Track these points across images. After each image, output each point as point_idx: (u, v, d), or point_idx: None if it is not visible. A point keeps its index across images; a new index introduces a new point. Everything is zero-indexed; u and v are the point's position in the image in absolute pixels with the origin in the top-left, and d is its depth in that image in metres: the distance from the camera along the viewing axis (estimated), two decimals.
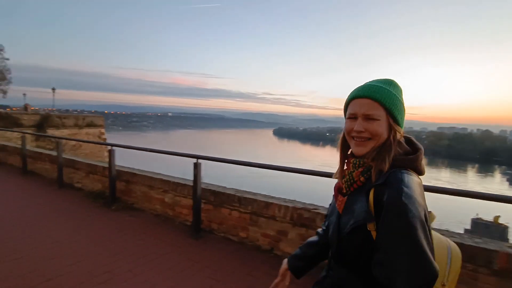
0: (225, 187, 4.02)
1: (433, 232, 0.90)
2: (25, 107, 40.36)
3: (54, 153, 6.92)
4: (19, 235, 3.67)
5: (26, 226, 3.98)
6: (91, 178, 5.72)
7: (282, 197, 3.62)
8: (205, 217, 3.90)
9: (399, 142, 0.93)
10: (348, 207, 0.93)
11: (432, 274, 0.75)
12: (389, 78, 0.96)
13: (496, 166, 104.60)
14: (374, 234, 0.83)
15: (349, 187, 0.95)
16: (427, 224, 0.79)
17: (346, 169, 0.99)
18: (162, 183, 4.48)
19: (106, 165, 5.54)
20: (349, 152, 1.01)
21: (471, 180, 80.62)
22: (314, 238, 1.20)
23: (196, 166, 3.68)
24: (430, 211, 0.91)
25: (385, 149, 0.90)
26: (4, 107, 36.21)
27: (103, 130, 32.33)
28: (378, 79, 0.97)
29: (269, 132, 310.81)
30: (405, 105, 0.95)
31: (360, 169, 0.93)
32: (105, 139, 32.34)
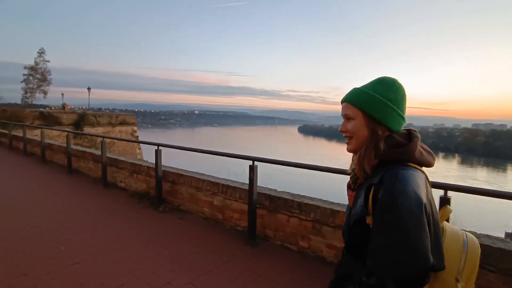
0: (280, 191, 3.77)
1: (447, 225, 0.97)
2: (63, 106, 42.43)
3: (97, 151, 6.99)
4: (74, 238, 3.62)
5: (81, 229, 3.94)
6: (135, 178, 5.67)
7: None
8: (259, 222, 3.66)
9: (388, 137, 0.95)
10: (355, 202, 0.99)
11: (420, 263, 0.78)
12: (382, 76, 1.01)
13: None
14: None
15: (354, 183, 1.02)
16: (426, 216, 0.82)
17: (353, 166, 1.06)
18: (211, 185, 4.30)
19: (150, 165, 5.47)
20: None
21: (509, 180, 75.65)
22: None
23: (252, 169, 3.45)
24: (446, 206, 1.01)
25: (366, 146, 0.96)
26: (44, 107, 38.16)
27: (135, 128, 33.22)
28: (371, 80, 1.03)
29: (294, 129, 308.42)
30: (395, 100, 0.96)
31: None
32: (137, 136, 33.20)
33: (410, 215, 0.80)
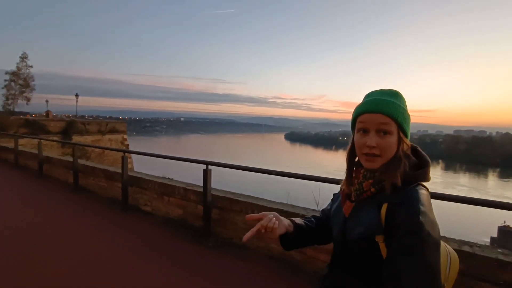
0: None
1: None
2: (47, 114, 40.52)
3: (110, 168, 5.96)
4: (109, 280, 2.64)
5: (116, 269, 2.96)
6: (166, 201, 4.69)
7: None
8: None
9: (407, 155, 0.93)
10: (355, 214, 0.96)
11: (438, 286, 0.79)
12: (393, 89, 0.97)
13: None
14: (381, 245, 0.86)
15: (358, 196, 0.96)
16: (439, 240, 0.83)
17: (354, 177, 0.99)
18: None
19: (186, 185, 4.52)
20: (356, 159, 1.01)
21: (492, 185, 77.40)
22: (311, 220, 1.19)
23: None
24: None
25: (396, 163, 0.90)
26: (25, 114, 36.21)
27: (125, 136, 31.79)
28: (382, 91, 0.96)
29: (281, 136, 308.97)
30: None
31: (370, 181, 0.93)
32: (127, 145, 31.75)
33: (432, 239, 0.81)
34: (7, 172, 8.14)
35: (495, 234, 35.44)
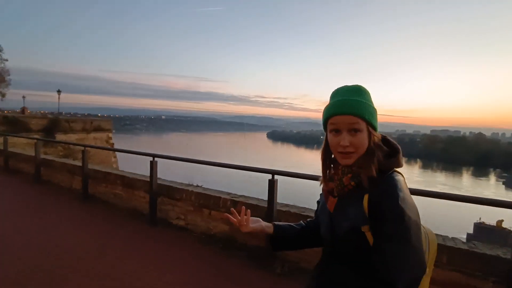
0: None
1: None
2: (23, 110, 38.30)
3: (129, 174, 5.22)
4: None
5: None
6: (206, 215, 4.04)
7: None
8: None
9: (378, 146, 0.97)
10: (340, 208, 0.99)
11: (424, 270, 0.86)
12: (356, 85, 0.99)
13: (491, 169, 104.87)
14: (368, 235, 0.89)
15: (340, 191, 0.99)
16: (420, 222, 0.88)
17: (333, 173, 1.03)
18: None
19: (233, 197, 3.89)
20: (332, 157, 1.04)
21: (466, 183, 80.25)
22: (299, 225, 1.24)
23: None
24: None
25: (370, 156, 0.95)
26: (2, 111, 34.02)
27: (110, 135, 30.36)
28: (347, 88, 0.99)
29: (263, 135, 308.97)
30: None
31: (349, 175, 0.97)
32: (112, 144, 30.35)
33: (414, 222, 0.85)
34: None
35: (471, 231, 36.56)
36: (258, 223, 1.18)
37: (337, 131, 0.97)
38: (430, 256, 1.00)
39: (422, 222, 0.94)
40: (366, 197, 0.90)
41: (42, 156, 6.91)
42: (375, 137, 0.97)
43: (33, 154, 7.73)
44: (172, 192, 4.39)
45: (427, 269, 0.93)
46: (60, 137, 22.45)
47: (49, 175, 6.64)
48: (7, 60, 32.57)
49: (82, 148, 5.55)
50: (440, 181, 77.91)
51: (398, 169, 0.96)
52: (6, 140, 7.77)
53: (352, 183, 0.96)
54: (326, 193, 1.05)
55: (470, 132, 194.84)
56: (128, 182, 5.02)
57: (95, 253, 3.47)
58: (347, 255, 0.96)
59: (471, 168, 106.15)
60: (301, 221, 1.26)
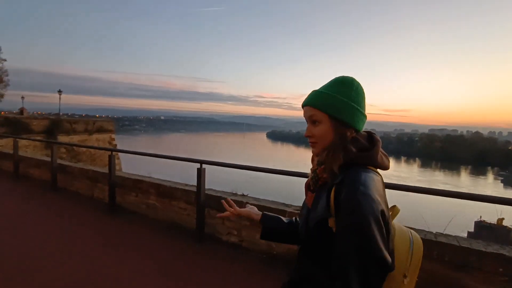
0: None
1: (395, 224, 0.98)
2: (21, 111, 37.58)
3: (165, 181, 4.55)
4: None
5: None
6: None
7: None
8: None
9: (354, 139, 0.94)
10: (315, 202, 0.96)
11: (383, 266, 0.80)
12: (341, 76, 0.98)
13: (489, 168, 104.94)
14: (335, 230, 0.87)
15: (314, 184, 0.99)
16: (383, 219, 0.82)
17: (312, 167, 1.03)
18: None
19: (295, 209, 3.24)
20: None
21: (466, 182, 79.99)
22: (288, 220, 1.24)
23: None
24: (394, 205, 0.99)
25: (334, 149, 0.93)
26: None
27: (113, 136, 29.68)
28: (330, 81, 0.99)
29: (262, 135, 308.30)
30: (360, 101, 0.96)
31: (322, 166, 0.96)
32: (115, 145, 29.61)
33: (372, 218, 0.80)
34: (6, 185, 6.47)
35: (471, 229, 36.23)
36: (246, 209, 1.24)
37: (307, 122, 0.99)
38: (412, 262, 0.94)
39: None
40: (333, 189, 0.88)
41: (60, 162, 6.20)
42: (342, 130, 0.93)
43: (40, 157, 7.07)
44: (220, 203, 3.74)
45: (407, 276, 0.91)
46: (62, 138, 21.72)
47: (65, 182, 5.96)
48: (5, 60, 31.72)
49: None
50: (440, 180, 77.51)
51: (378, 170, 0.93)
52: (16, 143, 6.92)
53: (325, 175, 0.95)
54: (306, 189, 1.04)
55: (468, 131, 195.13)
56: (165, 191, 4.34)
57: (135, 275, 2.82)
58: (315, 250, 0.93)
59: (469, 167, 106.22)
60: (294, 217, 1.25)
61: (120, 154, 29.21)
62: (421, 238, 0.99)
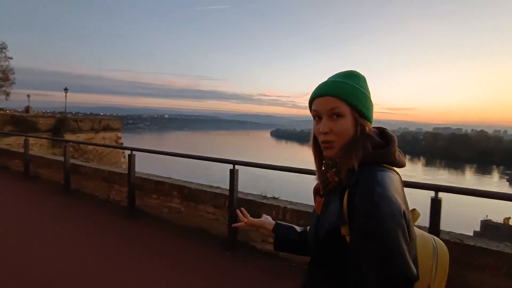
0: None
1: (416, 230, 0.87)
2: (27, 109, 37.56)
3: (190, 184, 4.20)
4: None
5: None
6: None
7: None
8: None
9: (369, 136, 0.84)
10: (325, 208, 0.87)
11: (407, 275, 0.69)
12: (350, 70, 0.89)
13: (494, 167, 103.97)
14: (348, 239, 0.77)
15: (325, 188, 0.88)
16: (405, 222, 0.72)
17: (323, 169, 0.91)
18: None
19: None
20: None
21: (471, 181, 79.22)
22: (302, 229, 1.14)
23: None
24: (414, 209, 0.89)
25: (352, 146, 0.82)
26: (5, 110, 32.98)
27: (119, 134, 29.47)
28: (339, 73, 0.90)
29: (266, 133, 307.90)
30: (370, 95, 0.88)
31: (333, 169, 0.86)
32: (121, 143, 29.39)
33: (393, 222, 0.70)
34: (16, 187, 6.16)
35: (478, 228, 35.80)
36: (261, 219, 1.18)
37: (319, 117, 0.86)
38: (439, 274, 0.84)
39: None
40: (347, 193, 0.78)
41: (72, 161, 5.87)
42: (365, 126, 0.84)
43: (51, 157, 6.76)
44: (255, 208, 3.39)
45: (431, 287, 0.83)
46: (68, 136, 21.50)
47: (78, 183, 5.63)
48: (11, 58, 31.52)
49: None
50: (444, 179, 76.74)
51: (395, 168, 0.84)
52: (27, 141, 6.59)
53: (336, 178, 0.84)
54: (314, 194, 0.94)
55: (472, 130, 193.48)
56: (190, 193, 3.99)
57: (160, 284, 2.49)
58: (327, 260, 0.84)
59: (474, 166, 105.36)
60: (309, 226, 1.08)
61: (126, 152, 29.16)
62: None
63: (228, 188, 3.45)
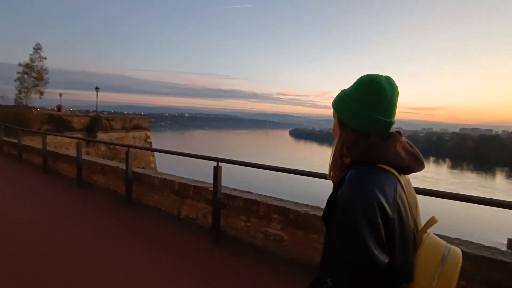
0: None
1: (430, 236, 0.89)
2: (59, 108, 38.33)
3: (291, 205, 3.42)
4: None
5: None
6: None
7: None
8: None
9: (363, 138, 0.89)
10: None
11: (370, 264, 0.75)
12: (365, 75, 0.93)
13: None
14: None
15: (333, 184, 0.97)
16: (384, 221, 0.77)
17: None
18: None
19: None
20: None
21: (502, 185, 74.56)
22: None
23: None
24: (432, 216, 0.90)
25: (335, 148, 0.94)
26: (37, 109, 33.68)
27: (148, 133, 29.36)
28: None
29: (285, 133, 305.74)
30: (367, 103, 0.88)
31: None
32: (150, 143, 29.30)
33: (362, 217, 0.76)
34: (66, 197, 5.58)
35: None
36: None
37: None
38: (441, 281, 0.82)
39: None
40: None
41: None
42: (346, 132, 0.92)
43: (108, 162, 6.21)
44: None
45: None
46: (101, 136, 21.47)
47: (140, 195, 4.96)
48: (45, 58, 32.04)
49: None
50: (473, 182, 72.58)
51: (390, 168, 0.86)
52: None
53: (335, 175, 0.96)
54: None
55: (503, 131, 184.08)
56: (296, 218, 3.18)
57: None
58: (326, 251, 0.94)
59: (506, 169, 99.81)
60: None
61: (155, 153, 28.88)
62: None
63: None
